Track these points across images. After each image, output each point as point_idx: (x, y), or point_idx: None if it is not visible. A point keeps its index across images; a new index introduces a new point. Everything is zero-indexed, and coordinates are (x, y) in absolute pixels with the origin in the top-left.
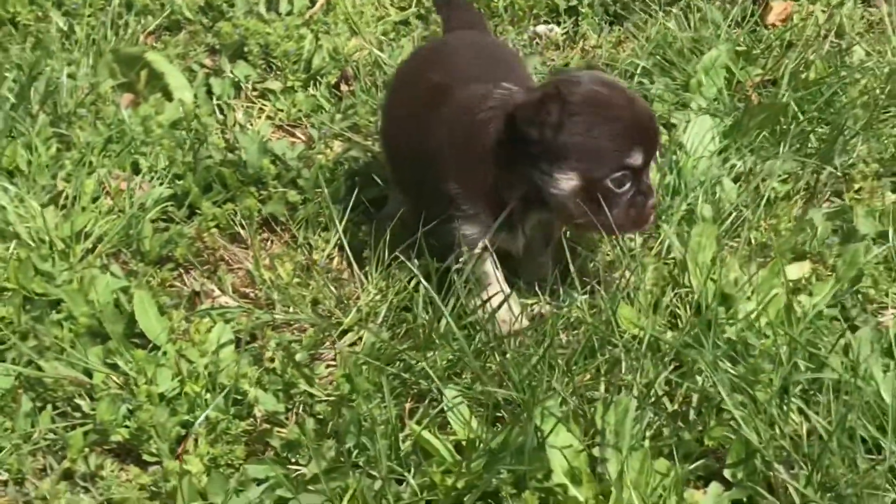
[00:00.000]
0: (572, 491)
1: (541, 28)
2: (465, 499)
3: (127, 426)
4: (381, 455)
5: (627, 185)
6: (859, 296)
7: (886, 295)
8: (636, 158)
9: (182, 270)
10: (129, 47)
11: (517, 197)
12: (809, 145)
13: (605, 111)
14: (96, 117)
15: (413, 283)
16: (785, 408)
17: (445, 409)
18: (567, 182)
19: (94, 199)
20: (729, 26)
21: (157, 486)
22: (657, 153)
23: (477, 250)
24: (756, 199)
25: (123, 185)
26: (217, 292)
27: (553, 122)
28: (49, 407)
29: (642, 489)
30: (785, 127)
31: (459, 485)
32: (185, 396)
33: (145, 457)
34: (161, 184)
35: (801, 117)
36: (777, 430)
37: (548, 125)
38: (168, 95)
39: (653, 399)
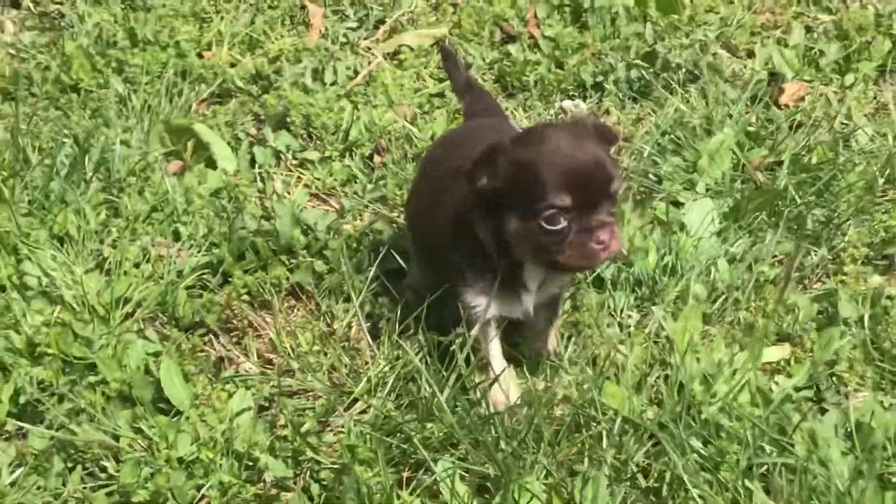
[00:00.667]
0: None
1: (567, 103)
2: None
3: (147, 488)
4: None
5: (563, 224)
6: (834, 378)
7: (861, 378)
8: (563, 199)
9: (212, 336)
10: (179, 118)
11: (501, 254)
12: (807, 227)
13: (541, 158)
14: (145, 184)
15: (420, 355)
16: (747, 488)
17: (438, 479)
18: (512, 224)
19: (136, 265)
20: (745, 104)
21: None
22: (606, 196)
23: (478, 326)
24: (748, 281)
25: (164, 252)
26: (242, 358)
27: (497, 172)
28: (79, 468)
29: None
30: (782, 209)
31: None
32: (201, 462)
33: None
34: (199, 251)
35: (798, 200)
36: None
37: (494, 175)
38: (213, 164)
39: (628, 475)
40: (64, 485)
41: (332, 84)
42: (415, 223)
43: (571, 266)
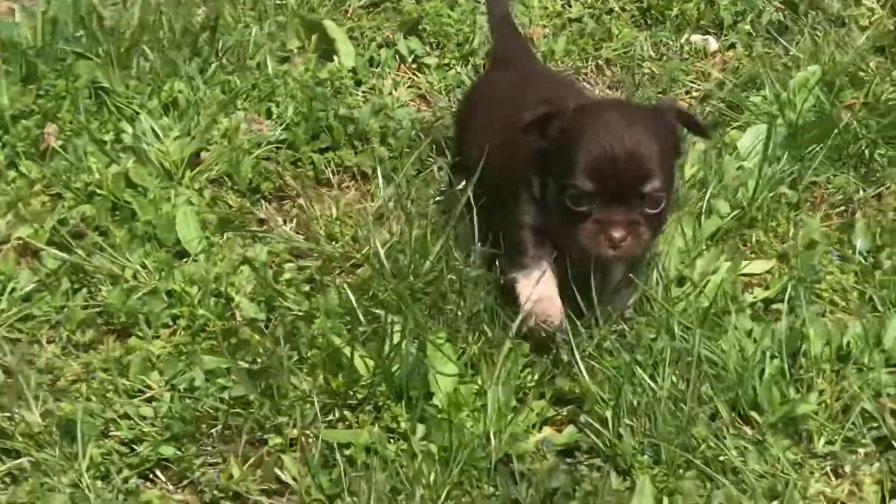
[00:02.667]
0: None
1: (696, 37)
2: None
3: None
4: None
5: (584, 208)
6: (813, 296)
7: (844, 298)
8: (584, 184)
9: (264, 202)
10: (312, 14)
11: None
12: (867, 165)
13: (583, 136)
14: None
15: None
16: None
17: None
18: (549, 188)
19: (225, 135)
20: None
21: (123, 358)
22: (637, 194)
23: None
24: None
25: (254, 127)
26: (280, 222)
27: (547, 134)
28: (84, 290)
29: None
30: (842, 143)
31: (354, 390)
32: (182, 294)
33: (134, 336)
34: (280, 127)
35: (861, 136)
36: (642, 393)
37: (543, 136)
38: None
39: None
40: (67, 301)
41: None
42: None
43: (578, 248)
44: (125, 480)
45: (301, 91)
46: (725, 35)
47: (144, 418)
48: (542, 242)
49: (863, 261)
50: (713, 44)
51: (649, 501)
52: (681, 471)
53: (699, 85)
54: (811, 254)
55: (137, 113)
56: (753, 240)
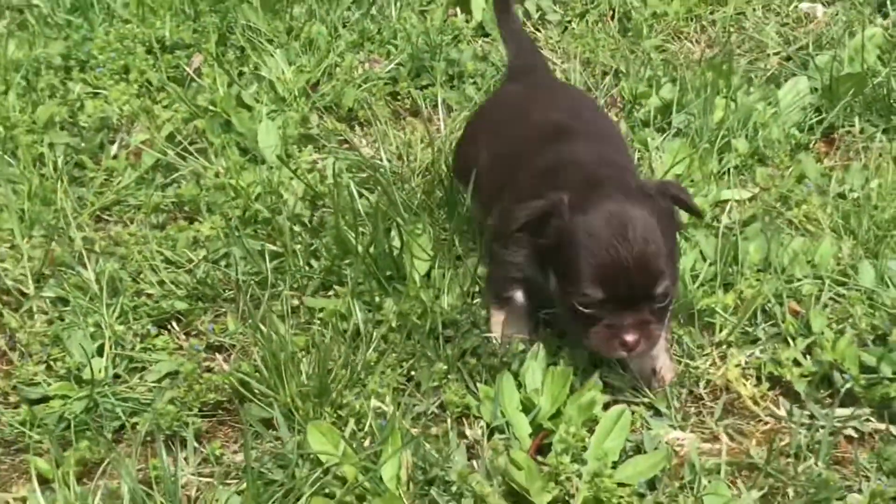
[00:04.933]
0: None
1: (805, 5)
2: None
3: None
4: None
5: (594, 310)
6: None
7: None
8: (595, 293)
9: (358, 126)
10: None
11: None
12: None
13: (586, 238)
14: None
15: None
16: None
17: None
18: (552, 282)
19: (348, 71)
20: None
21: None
22: (647, 297)
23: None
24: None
25: (374, 65)
26: (363, 144)
27: (548, 233)
28: (174, 184)
29: None
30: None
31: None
32: (238, 188)
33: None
34: (392, 65)
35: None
36: None
37: (542, 234)
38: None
39: None
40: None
41: None
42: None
43: (595, 350)
44: (142, 326)
45: (416, 36)
46: (833, 4)
47: (179, 285)
48: (518, 284)
49: (841, 196)
50: (819, 11)
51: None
52: None
53: (787, 49)
54: (793, 185)
55: (275, 49)
56: (758, 175)
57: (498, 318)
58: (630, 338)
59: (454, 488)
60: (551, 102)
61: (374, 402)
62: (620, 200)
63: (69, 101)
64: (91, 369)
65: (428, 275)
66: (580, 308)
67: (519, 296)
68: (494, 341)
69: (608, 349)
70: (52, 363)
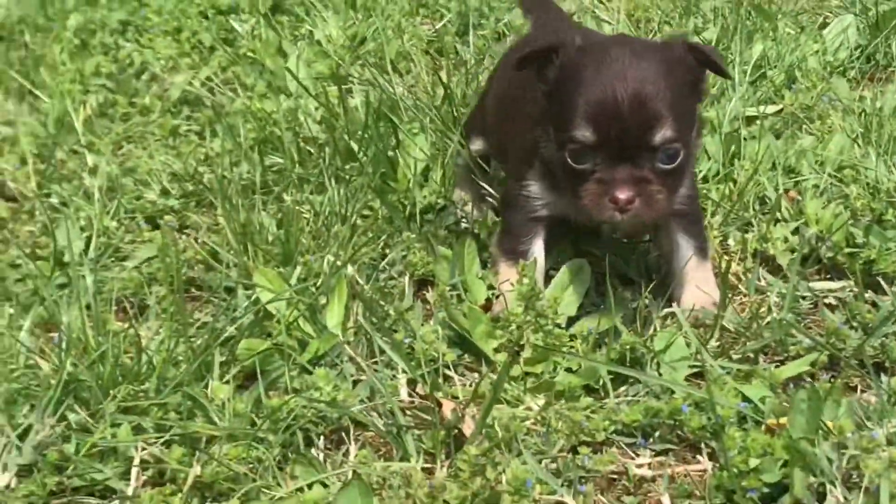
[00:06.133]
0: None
1: None
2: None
3: None
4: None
5: (587, 165)
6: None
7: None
8: (584, 134)
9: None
10: None
11: None
12: None
13: (582, 74)
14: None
15: None
16: None
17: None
18: (550, 139)
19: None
20: None
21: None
22: (646, 147)
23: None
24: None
25: (424, 25)
26: (387, 84)
27: (548, 75)
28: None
29: None
30: None
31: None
32: (262, 113)
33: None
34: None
35: None
36: None
37: (544, 77)
38: None
39: None
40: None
41: None
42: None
43: (587, 213)
44: (132, 220)
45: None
46: None
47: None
48: (537, 232)
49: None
50: None
51: None
52: None
53: None
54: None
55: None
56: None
57: (508, 274)
58: (622, 194)
59: (388, 324)
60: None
61: (329, 258)
62: (627, 45)
63: (120, 58)
64: (72, 253)
65: (425, 175)
66: (574, 164)
67: (538, 248)
68: (501, 300)
69: (598, 209)
70: (37, 250)
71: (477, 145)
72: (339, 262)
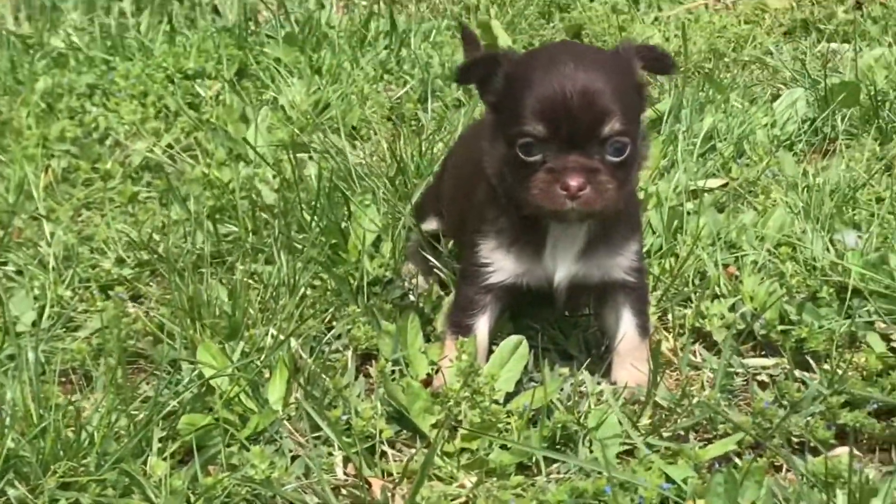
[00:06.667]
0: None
1: (834, 45)
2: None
3: None
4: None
5: (538, 157)
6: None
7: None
8: (534, 127)
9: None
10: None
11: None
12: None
13: (530, 75)
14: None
15: None
16: None
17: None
18: (500, 149)
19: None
20: None
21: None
22: (595, 138)
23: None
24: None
25: (387, 91)
26: (349, 151)
27: (492, 85)
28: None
29: None
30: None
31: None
32: (217, 180)
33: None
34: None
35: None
36: None
37: (488, 87)
38: None
39: None
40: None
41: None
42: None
43: (536, 205)
44: (86, 289)
45: (428, 62)
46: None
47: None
48: (485, 306)
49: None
50: (842, 50)
51: None
52: None
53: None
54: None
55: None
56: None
57: (451, 348)
58: (573, 181)
59: (328, 399)
60: None
61: (272, 331)
62: (573, 48)
63: (85, 122)
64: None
65: (376, 246)
66: (524, 156)
67: (482, 326)
68: (441, 375)
69: (549, 198)
70: None
71: (431, 225)
72: (282, 336)
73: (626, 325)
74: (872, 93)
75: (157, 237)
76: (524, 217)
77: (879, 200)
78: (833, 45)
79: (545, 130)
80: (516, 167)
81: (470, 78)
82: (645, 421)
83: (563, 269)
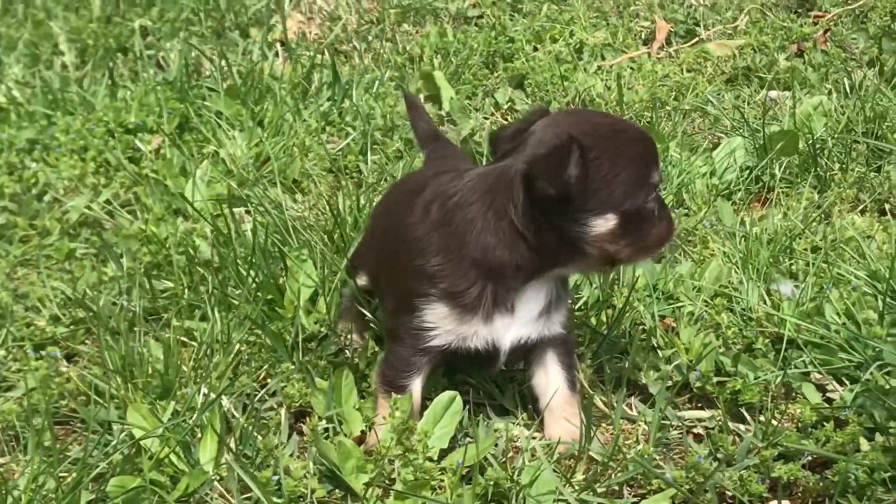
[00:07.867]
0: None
1: (773, 93)
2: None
3: None
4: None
5: (654, 203)
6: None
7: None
8: (655, 177)
9: (301, 195)
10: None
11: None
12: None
13: (617, 143)
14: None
15: None
16: None
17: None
18: (606, 223)
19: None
20: None
21: None
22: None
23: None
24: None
25: (331, 144)
26: (289, 206)
27: (576, 173)
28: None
29: None
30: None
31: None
32: (155, 236)
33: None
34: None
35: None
36: None
37: (571, 176)
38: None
39: None
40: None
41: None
42: (375, 243)
43: (664, 243)
44: (20, 348)
45: (371, 114)
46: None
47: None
48: (420, 367)
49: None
50: (782, 97)
51: None
52: None
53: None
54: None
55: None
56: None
57: (385, 407)
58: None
59: (259, 459)
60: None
61: (204, 390)
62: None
63: (25, 178)
64: None
65: (313, 301)
66: (650, 210)
67: (416, 385)
68: (374, 433)
69: (672, 229)
70: None
71: (363, 280)
72: (213, 395)
73: (558, 379)
74: (811, 141)
75: (92, 294)
76: (514, 275)
77: (815, 250)
78: (772, 93)
79: (658, 175)
80: (643, 220)
81: (543, 175)
82: (579, 476)
83: (515, 329)
